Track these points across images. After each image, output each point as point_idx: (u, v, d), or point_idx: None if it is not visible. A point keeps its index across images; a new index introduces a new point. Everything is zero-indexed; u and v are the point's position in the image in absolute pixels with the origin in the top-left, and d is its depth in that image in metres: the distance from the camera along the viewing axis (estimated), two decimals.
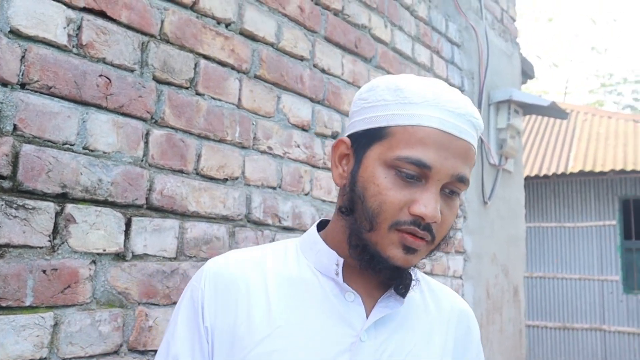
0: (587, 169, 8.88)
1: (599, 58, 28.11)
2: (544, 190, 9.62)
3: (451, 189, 0.98)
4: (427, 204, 0.94)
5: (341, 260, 1.03)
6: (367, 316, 1.03)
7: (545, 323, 9.34)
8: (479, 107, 3.54)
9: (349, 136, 1.06)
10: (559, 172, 9.10)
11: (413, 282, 1.06)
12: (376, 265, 0.98)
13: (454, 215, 1.01)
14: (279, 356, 0.96)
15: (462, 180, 0.98)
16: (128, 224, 1.55)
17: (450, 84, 3.22)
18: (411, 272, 1.06)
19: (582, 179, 9.34)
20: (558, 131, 10.69)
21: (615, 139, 9.81)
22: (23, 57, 1.35)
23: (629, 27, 30.18)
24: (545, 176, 9.24)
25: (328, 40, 2.37)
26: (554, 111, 3.88)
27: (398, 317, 1.07)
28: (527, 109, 3.90)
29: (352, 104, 1.09)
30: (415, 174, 0.95)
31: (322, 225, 1.13)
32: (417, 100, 0.98)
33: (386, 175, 0.96)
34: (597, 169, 8.81)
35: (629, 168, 8.64)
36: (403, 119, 0.98)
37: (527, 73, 4.69)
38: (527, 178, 9.33)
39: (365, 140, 1.01)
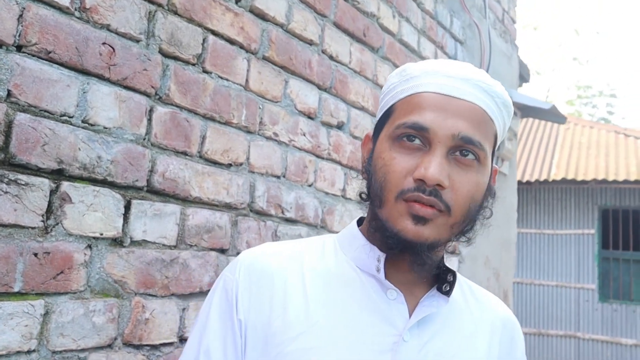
0: (570, 177, 8.88)
1: (581, 69, 28.38)
2: (525, 197, 9.61)
3: (461, 152, 0.93)
4: (427, 166, 0.90)
5: (383, 256, 0.99)
6: (410, 315, 0.98)
7: (522, 329, 9.34)
8: None
9: (373, 131, 1.06)
10: (542, 179, 9.08)
11: (453, 279, 1.01)
12: (389, 242, 0.94)
13: (473, 184, 0.94)
14: (316, 353, 0.92)
15: (471, 142, 0.93)
16: (127, 207, 1.42)
17: None
18: (449, 268, 1.03)
19: (563, 186, 9.34)
20: (541, 138, 10.70)
21: (596, 149, 9.83)
22: (21, 16, 1.22)
23: (611, 40, 30.52)
24: (528, 182, 9.22)
25: (337, 25, 2.25)
26: (553, 115, 3.82)
27: (441, 318, 1.02)
28: (526, 111, 3.83)
29: None
30: (416, 137, 0.93)
31: (360, 223, 1.09)
32: (417, 74, 0.98)
33: (391, 148, 0.95)
34: (579, 178, 8.81)
35: (610, 178, 8.65)
36: (403, 93, 0.98)
37: (523, 76, 4.62)
38: None
39: (379, 126, 1.03)
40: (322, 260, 1.03)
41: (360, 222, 1.10)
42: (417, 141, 0.93)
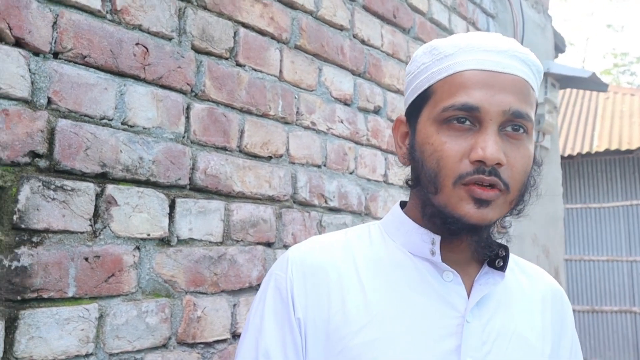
0: (613, 147, 8.66)
1: (616, 36, 27.70)
2: (568, 171, 9.41)
3: (513, 127, 0.91)
4: (484, 146, 0.88)
5: (438, 239, 0.96)
6: (468, 295, 0.97)
7: (573, 307, 9.15)
8: None
9: (405, 114, 1.03)
10: (584, 151, 8.89)
11: (506, 254, 0.99)
12: (451, 227, 0.92)
13: (526, 158, 0.93)
14: (381, 344, 0.90)
15: (521, 116, 0.91)
16: (172, 206, 1.43)
17: None
18: (500, 243, 1.00)
19: (607, 158, 9.12)
20: (580, 110, 10.47)
21: (639, 117, 9.58)
22: (55, 23, 1.22)
23: None
24: (570, 156, 9.03)
25: (366, 9, 2.22)
26: (593, 83, 3.72)
27: (497, 295, 1.00)
28: (564, 82, 3.74)
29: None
30: (466, 119, 0.90)
31: (402, 207, 1.07)
32: (452, 51, 0.95)
33: (438, 131, 0.92)
34: (623, 147, 8.59)
35: None
36: (441, 73, 0.95)
37: (559, 47, 4.51)
38: None
39: (415, 109, 0.99)
40: (372, 248, 1.01)
41: (402, 205, 1.07)
42: (467, 122, 0.90)
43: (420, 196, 0.98)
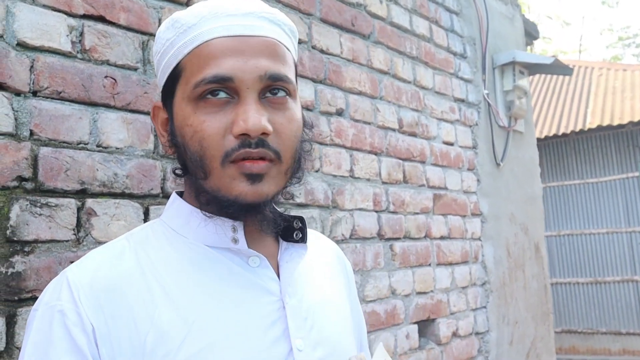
0: (605, 123, 8.83)
1: (612, 12, 27.63)
2: (564, 149, 9.59)
3: (272, 92, 0.87)
4: (245, 117, 0.83)
5: (240, 224, 0.90)
6: (278, 275, 0.93)
7: (576, 279, 9.35)
8: (483, 72, 3.59)
9: (161, 99, 0.96)
10: (577, 129, 9.06)
11: (303, 224, 0.98)
12: (229, 210, 0.86)
13: (294, 121, 0.89)
14: (209, 354, 0.82)
15: (280, 78, 0.86)
16: (146, 213, 1.65)
17: (452, 52, 3.29)
18: (295, 215, 0.98)
19: (601, 133, 9.29)
20: (574, 89, 10.62)
21: (631, 91, 9.71)
22: (32, 66, 1.45)
23: None
24: (564, 134, 9.20)
25: (324, 21, 2.44)
26: (558, 68, 3.91)
27: (302, 268, 0.99)
28: (533, 68, 3.93)
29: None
30: (221, 91, 0.84)
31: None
32: (195, 21, 0.88)
33: (195, 111, 0.86)
34: (615, 122, 8.75)
35: None
36: (187, 46, 0.88)
37: (531, 34, 4.70)
38: (545, 138, 9.31)
39: (168, 90, 0.92)
40: (164, 251, 0.90)
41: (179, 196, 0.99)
42: (222, 94, 0.85)
43: (191, 184, 0.92)
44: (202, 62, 0.85)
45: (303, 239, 0.98)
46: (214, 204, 0.88)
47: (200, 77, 0.84)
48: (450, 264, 3.07)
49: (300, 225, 0.98)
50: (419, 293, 2.79)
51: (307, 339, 0.90)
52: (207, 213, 0.91)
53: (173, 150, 0.93)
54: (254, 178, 0.84)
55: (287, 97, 0.89)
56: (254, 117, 0.83)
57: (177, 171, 0.95)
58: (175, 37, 0.89)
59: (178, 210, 0.95)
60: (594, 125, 8.90)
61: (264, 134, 0.84)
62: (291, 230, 0.98)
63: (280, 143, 0.86)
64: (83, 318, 0.79)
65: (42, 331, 0.80)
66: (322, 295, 0.99)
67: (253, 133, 0.82)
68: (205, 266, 0.89)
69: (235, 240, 0.90)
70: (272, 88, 0.87)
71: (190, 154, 0.87)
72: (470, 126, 3.44)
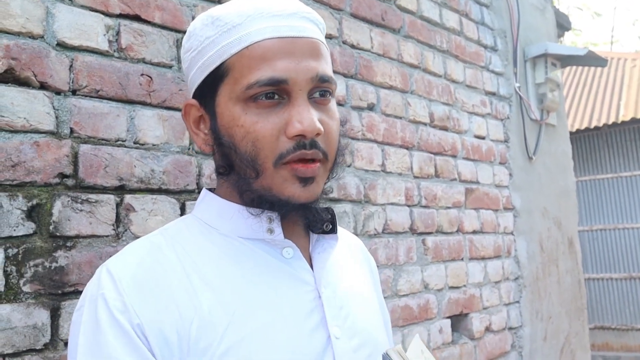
0: (639, 116, 8.68)
1: None
2: (596, 142, 9.45)
3: (320, 93, 0.89)
4: (300, 119, 0.84)
5: (276, 215, 0.91)
6: (311, 265, 0.95)
7: (610, 275, 9.22)
8: (514, 65, 3.56)
9: (193, 96, 0.97)
10: (610, 122, 8.92)
11: (332, 216, 0.99)
12: (281, 210, 0.89)
13: (337, 121, 0.92)
14: (250, 342, 0.83)
15: (327, 80, 0.89)
16: (182, 208, 1.68)
17: (483, 45, 3.27)
18: (325, 207, 0.98)
19: (634, 126, 9.13)
20: (606, 81, 10.45)
21: None
22: (71, 66, 1.48)
23: None
24: (596, 127, 9.07)
25: (354, 16, 2.44)
26: (592, 60, 3.85)
27: (334, 260, 1.01)
28: (565, 60, 3.88)
29: (183, 63, 0.98)
30: (274, 93, 0.86)
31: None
32: (240, 21, 0.88)
33: (246, 111, 0.86)
34: None
35: None
36: (234, 46, 0.87)
37: (563, 25, 4.65)
38: (577, 131, 9.19)
39: (208, 89, 0.92)
40: (197, 243, 0.92)
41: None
42: (276, 97, 0.86)
43: (235, 183, 0.92)
44: (254, 63, 0.85)
45: (333, 230, 0.99)
46: (264, 202, 0.89)
47: (254, 79, 0.85)
48: (483, 258, 3.06)
49: (330, 216, 0.99)
50: (452, 287, 2.78)
51: (343, 327, 0.92)
52: (241, 205, 0.93)
53: (211, 148, 0.94)
54: (306, 181, 0.87)
55: (331, 96, 0.92)
56: (309, 118, 0.84)
57: (221, 170, 0.95)
58: (218, 35, 0.89)
59: (210, 205, 0.97)
60: (627, 118, 8.76)
61: (317, 134, 0.86)
62: (320, 222, 0.98)
63: (327, 143, 0.89)
64: (129, 308, 0.81)
65: (89, 322, 0.82)
66: (353, 287, 1.01)
67: (309, 134, 0.84)
68: (241, 257, 0.91)
69: (271, 231, 0.91)
70: (320, 89, 0.89)
71: (241, 154, 0.87)
72: (502, 119, 3.42)
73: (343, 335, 0.91)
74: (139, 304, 0.81)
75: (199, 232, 0.94)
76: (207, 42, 0.90)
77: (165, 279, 0.85)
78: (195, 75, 0.94)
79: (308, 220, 0.95)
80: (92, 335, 0.80)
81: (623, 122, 8.90)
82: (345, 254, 1.08)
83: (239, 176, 0.90)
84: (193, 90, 0.96)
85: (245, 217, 0.92)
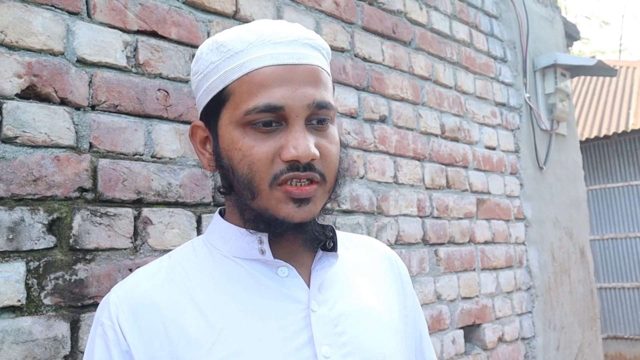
0: None
1: None
2: (606, 151, 9.43)
3: (318, 119, 0.91)
4: (295, 144, 0.87)
5: (265, 236, 0.94)
6: (309, 285, 0.97)
7: (622, 284, 9.18)
8: (524, 75, 3.57)
9: (200, 118, 1.00)
10: (620, 130, 8.91)
11: (334, 233, 1.01)
12: (277, 230, 0.91)
13: (336, 145, 0.94)
14: (235, 359, 0.87)
15: (324, 106, 0.91)
16: (199, 221, 1.70)
17: (492, 56, 3.28)
18: (325, 225, 1.01)
19: None
20: (615, 89, 10.44)
21: None
22: (90, 82, 1.51)
23: None
24: (606, 136, 9.06)
25: (366, 29, 2.47)
26: (601, 70, 3.86)
27: (339, 276, 1.02)
28: (575, 71, 3.90)
29: (191, 84, 1.02)
30: (272, 120, 0.88)
31: (222, 214, 1.06)
32: (242, 47, 0.91)
33: (244, 136, 0.89)
34: None
35: None
36: (235, 72, 0.91)
37: (572, 35, 4.66)
38: (587, 140, 9.18)
39: (212, 112, 0.95)
40: (200, 264, 0.97)
41: (222, 213, 1.05)
42: (273, 124, 0.88)
43: (236, 202, 0.96)
44: (253, 89, 0.89)
45: (334, 248, 1.00)
46: (260, 221, 0.92)
47: (252, 105, 0.88)
48: (495, 268, 3.07)
49: (331, 234, 1.01)
50: (464, 298, 2.79)
51: (336, 345, 0.93)
52: (239, 227, 0.97)
53: (214, 168, 0.98)
54: (301, 201, 0.89)
55: (329, 121, 0.94)
56: (304, 144, 0.87)
57: (222, 190, 0.99)
58: (221, 61, 0.93)
59: (215, 226, 1.02)
60: (637, 126, 8.76)
61: (312, 159, 0.88)
62: (320, 241, 1.00)
63: (325, 165, 0.91)
64: (118, 335, 0.89)
65: (90, 342, 0.93)
66: (361, 303, 1.01)
67: (303, 160, 0.87)
68: (234, 278, 0.95)
69: (262, 252, 0.94)
70: (318, 116, 0.91)
71: (238, 176, 0.91)
72: (512, 130, 3.43)
73: (334, 353, 0.92)
74: (129, 330, 0.89)
75: (203, 253, 0.99)
76: (211, 67, 0.94)
77: (155, 302, 0.91)
78: (202, 98, 0.98)
79: (309, 239, 0.97)
80: (87, 356, 0.92)
81: (633, 131, 8.89)
82: (359, 267, 1.08)
83: (238, 196, 0.94)
84: (200, 111, 1.00)
85: (242, 237, 0.96)
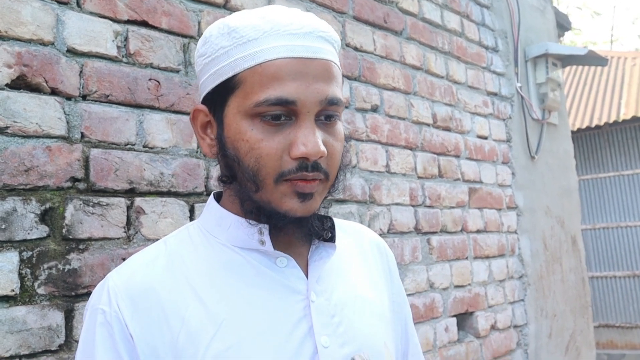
0: (639, 114, 8.72)
1: None
2: (597, 141, 9.47)
3: (327, 115, 0.89)
4: (305, 141, 0.85)
5: (265, 227, 0.93)
6: (306, 275, 0.96)
7: (613, 273, 9.23)
8: (515, 65, 3.58)
9: (203, 101, 0.97)
10: (611, 120, 8.94)
11: (332, 224, 1.01)
12: (278, 222, 0.90)
13: (341, 142, 0.93)
14: (235, 352, 0.86)
15: (335, 103, 0.89)
16: (191, 210, 1.70)
17: (484, 46, 3.29)
18: (325, 216, 1.01)
19: (635, 124, 9.15)
20: (607, 80, 10.47)
21: None
22: (81, 72, 1.50)
23: None
24: (597, 126, 9.09)
25: (357, 19, 2.47)
26: (592, 59, 3.88)
27: (334, 265, 1.02)
28: (566, 60, 3.91)
29: (195, 66, 0.99)
30: (282, 114, 0.86)
31: (218, 199, 1.03)
32: (256, 35, 0.88)
33: (252, 127, 0.87)
34: None
35: None
36: (248, 61, 0.88)
37: (563, 25, 4.67)
38: (578, 130, 9.21)
39: (218, 97, 0.92)
40: (197, 252, 0.95)
41: (217, 197, 1.03)
42: (283, 118, 0.87)
43: (238, 192, 0.94)
44: (265, 81, 0.86)
45: (332, 239, 1.00)
46: (262, 213, 0.91)
47: (264, 97, 0.86)
48: (487, 257, 3.08)
49: (330, 224, 1.00)
50: (457, 286, 2.80)
51: (334, 335, 0.93)
52: (238, 215, 0.95)
53: (215, 154, 0.95)
54: (305, 196, 0.88)
55: (337, 118, 0.92)
56: (314, 141, 0.85)
57: (224, 178, 0.96)
58: (233, 47, 0.89)
59: (211, 213, 0.99)
60: (628, 117, 8.78)
61: (320, 157, 0.87)
62: (320, 231, 0.99)
63: (330, 164, 0.90)
64: (122, 323, 0.86)
65: (89, 331, 0.89)
66: (355, 291, 1.02)
67: (312, 157, 0.85)
68: (234, 268, 0.93)
69: (262, 242, 0.93)
70: (328, 112, 0.89)
71: (244, 168, 0.89)
72: (504, 119, 3.44)
73: (333, 343, 0.92)
74: (130, 318, 0.86)
75: (200, 241, 0.97)
76: (221, 52, 0.91)
77: (155, 290, 0.89)
78: (207, 82, 0.94)
79: (307, 235, 0.97)
80: (86, 345, 0.89)
81: (624, 121, 8.92)
82: (352, 255, 1.08)
83: (241, 186, 0.92)
84: (203, 95, 0.97)
85: (242, 227, 0.94)
